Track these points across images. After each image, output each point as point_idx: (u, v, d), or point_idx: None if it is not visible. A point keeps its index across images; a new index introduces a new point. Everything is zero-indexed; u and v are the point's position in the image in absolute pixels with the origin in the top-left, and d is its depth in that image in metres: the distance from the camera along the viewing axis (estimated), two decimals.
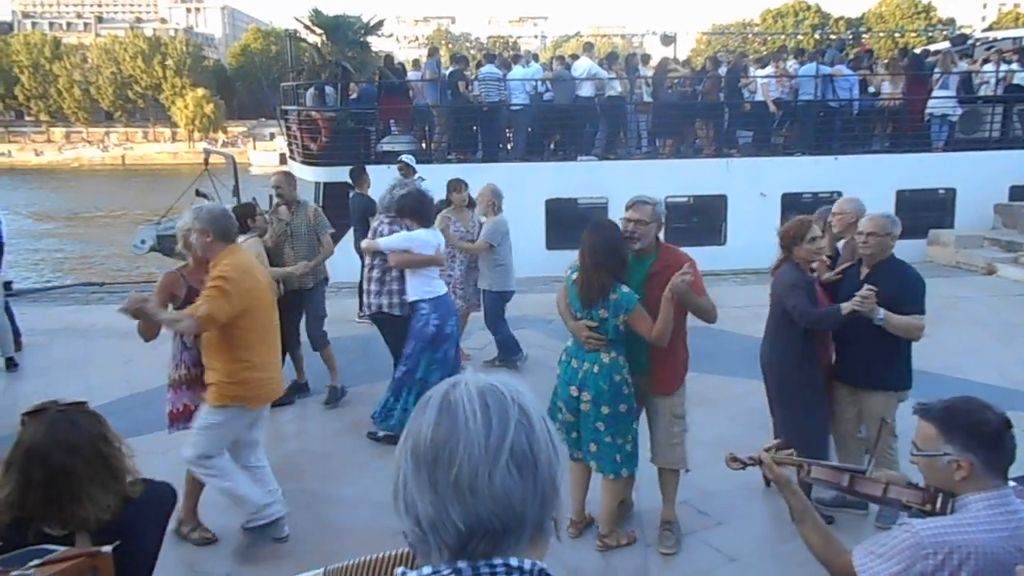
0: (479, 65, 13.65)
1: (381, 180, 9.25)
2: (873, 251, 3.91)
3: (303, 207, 6.12)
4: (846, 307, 3.78)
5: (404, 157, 8.72)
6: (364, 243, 5.59)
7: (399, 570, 0.97)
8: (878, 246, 3.89)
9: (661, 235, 3.92)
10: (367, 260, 5.59)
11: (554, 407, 3.89)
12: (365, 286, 5.66)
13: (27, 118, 74.07)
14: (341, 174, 8.84)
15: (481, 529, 0.92)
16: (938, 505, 1.99)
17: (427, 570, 0.93)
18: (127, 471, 2.09)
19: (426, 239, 5.20)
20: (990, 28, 38.39)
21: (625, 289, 3.65)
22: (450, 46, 60.07)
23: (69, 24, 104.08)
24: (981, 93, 13.35)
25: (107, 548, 1.82)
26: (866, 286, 3.77)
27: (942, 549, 1.85)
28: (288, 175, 6.37)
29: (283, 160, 28.53)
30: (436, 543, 0.93)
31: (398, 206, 5.38)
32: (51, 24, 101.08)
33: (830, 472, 2.31)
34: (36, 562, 1.69)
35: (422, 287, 5.19)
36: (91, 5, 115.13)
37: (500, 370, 1.05)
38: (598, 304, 3.65)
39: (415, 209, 5.27)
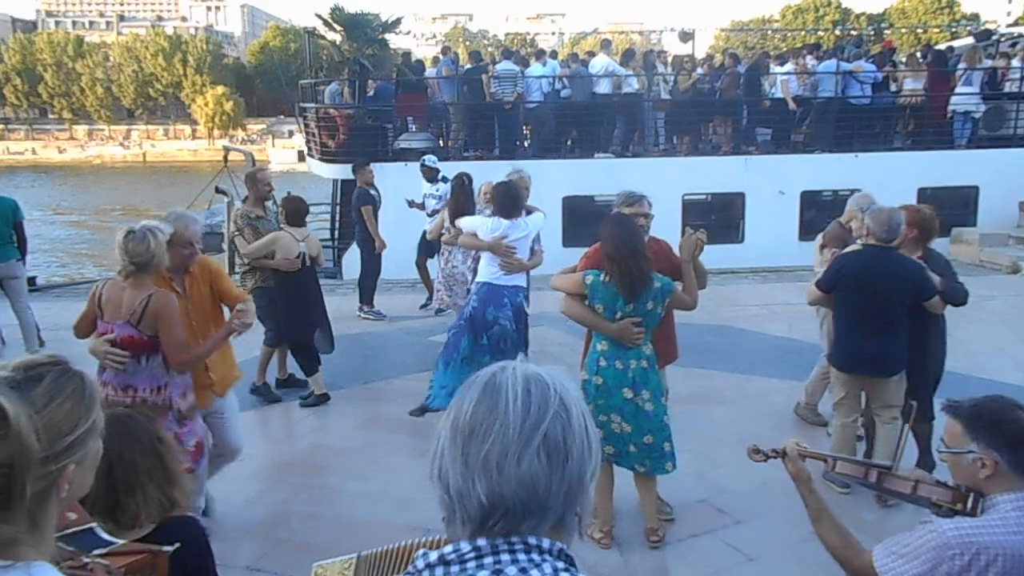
0: (495, 62, 13.63)
1: (398, 177, 9.30)
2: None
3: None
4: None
5: (427, 159, 8.55)
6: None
7: (421, 551, 1.01)
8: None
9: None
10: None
11: (605, 424, 3.64)
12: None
13: (51, 116, 75.05)
14: None
15: (503, 507, 0.96)
16: (969, 504, 1.96)
17: (448, 548, 0.97)
18: (179, 483, 2.05)
19: (491, 227, 5.23)
20: (1016, 23, 37.75)
21: (659, 275, 3.71)
22: (467, 43, 60.07)
23: (91, 23, 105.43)
24: (1006, 90, 13.14)
25: (168, 548, 1.79)
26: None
27: (969, 549, 1.82)
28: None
29: (301, 157, 28.72)
30: (461, 514, 0.98)
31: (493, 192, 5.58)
32: (74, 23, 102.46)
33: (856, 467, 2.28)
34: (102, 550, 1.68)
35: (485, 269, 5.27)
36: (113, 4, 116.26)
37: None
38: (644, 296, 3.60)
39: (499, 196, 5.35)
